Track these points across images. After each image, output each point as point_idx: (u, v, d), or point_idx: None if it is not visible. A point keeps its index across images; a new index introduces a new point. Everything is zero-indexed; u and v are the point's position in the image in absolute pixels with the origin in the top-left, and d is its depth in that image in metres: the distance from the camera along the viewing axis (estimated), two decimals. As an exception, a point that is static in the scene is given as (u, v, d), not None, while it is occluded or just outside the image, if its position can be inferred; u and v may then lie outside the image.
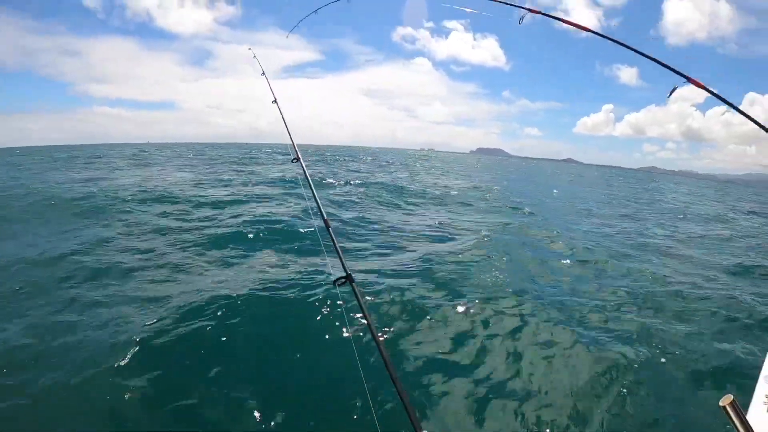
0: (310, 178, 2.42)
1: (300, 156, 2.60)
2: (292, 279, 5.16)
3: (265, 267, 5.81)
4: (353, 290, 1.68)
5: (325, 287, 4.70)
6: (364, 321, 1.63)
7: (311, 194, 2.27)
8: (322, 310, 4.32)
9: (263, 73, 3.72)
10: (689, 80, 2.22)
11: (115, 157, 29.00)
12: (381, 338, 1.70)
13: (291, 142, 2.72)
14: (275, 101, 3.14)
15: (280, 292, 4.78)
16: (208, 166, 22.41)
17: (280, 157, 31.84)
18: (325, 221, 2.13)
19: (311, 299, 4.53)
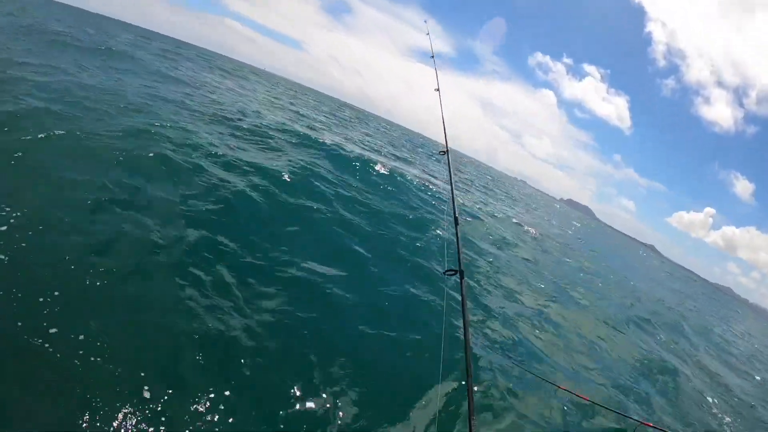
0: (452, 176, 2.78)
1: (448, 150, 2.96)
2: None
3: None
4: (460, 284, 2.00)
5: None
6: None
7: (450, 192, 2.60)
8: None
9: (432, 56, 3.88)
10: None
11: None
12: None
13: (444, 138, 3.07)
14: (438, 89, 3.38)
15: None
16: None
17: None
18: (455, 218, 2.49)
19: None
